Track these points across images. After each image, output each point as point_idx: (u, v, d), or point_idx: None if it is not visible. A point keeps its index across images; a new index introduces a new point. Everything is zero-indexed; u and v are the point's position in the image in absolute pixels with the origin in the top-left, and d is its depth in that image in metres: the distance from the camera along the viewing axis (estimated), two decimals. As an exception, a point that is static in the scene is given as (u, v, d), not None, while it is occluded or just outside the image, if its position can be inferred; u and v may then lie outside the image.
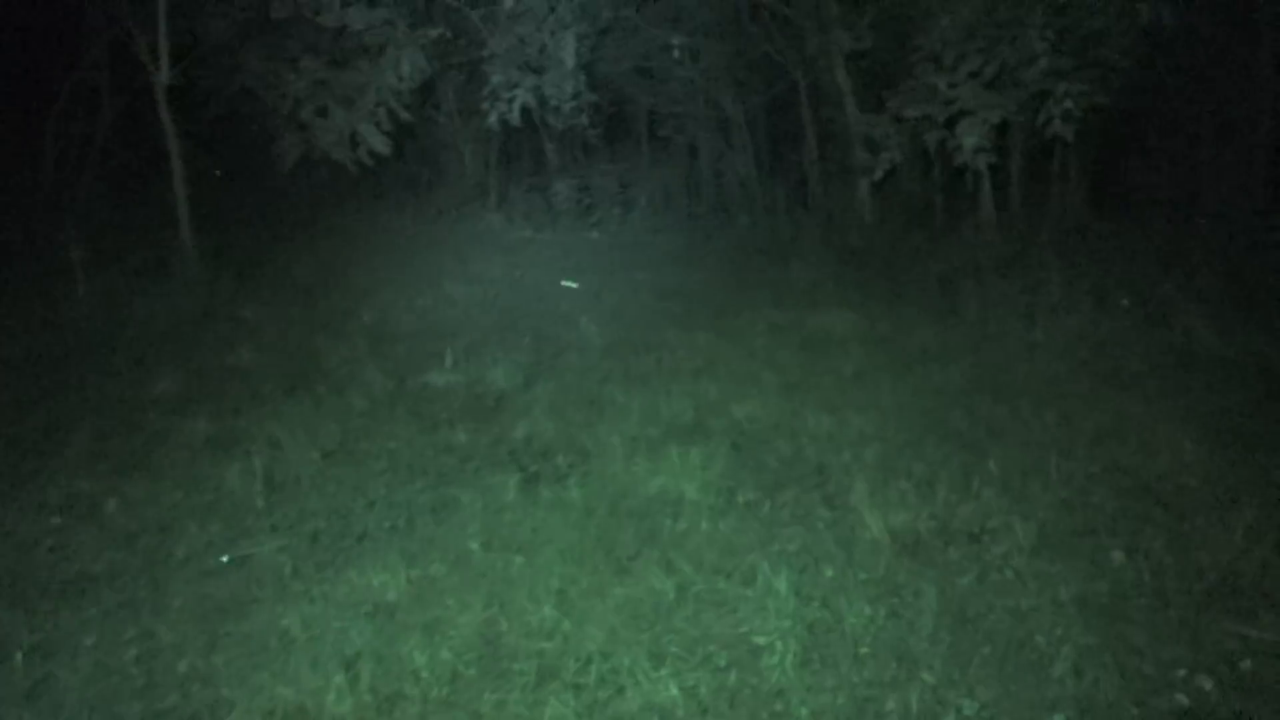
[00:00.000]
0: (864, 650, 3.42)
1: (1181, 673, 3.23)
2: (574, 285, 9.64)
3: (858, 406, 6.03)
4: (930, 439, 5.43)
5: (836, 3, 11.00)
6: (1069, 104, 7.40)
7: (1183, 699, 3.12)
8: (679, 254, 12.19)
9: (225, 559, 4.33)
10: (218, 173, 14.23)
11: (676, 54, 12.20)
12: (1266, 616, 3.51)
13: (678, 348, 7.58)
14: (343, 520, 4.72)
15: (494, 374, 6.93)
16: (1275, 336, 6.74)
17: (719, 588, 3.89)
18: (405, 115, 11.56)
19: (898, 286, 9.33)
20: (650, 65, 13.96)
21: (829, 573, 3.96)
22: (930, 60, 7.70)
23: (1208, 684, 3.17)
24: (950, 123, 7.76)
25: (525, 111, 12.00)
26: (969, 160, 7.87)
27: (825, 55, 11.46)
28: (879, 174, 8.47)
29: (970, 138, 7.54)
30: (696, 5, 12.46)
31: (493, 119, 12.09)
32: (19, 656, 3.52)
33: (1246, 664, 3.26)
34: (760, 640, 3.49)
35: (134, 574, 4.23)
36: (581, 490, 4.93)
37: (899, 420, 5.78)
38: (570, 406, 6.26)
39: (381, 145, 11.23)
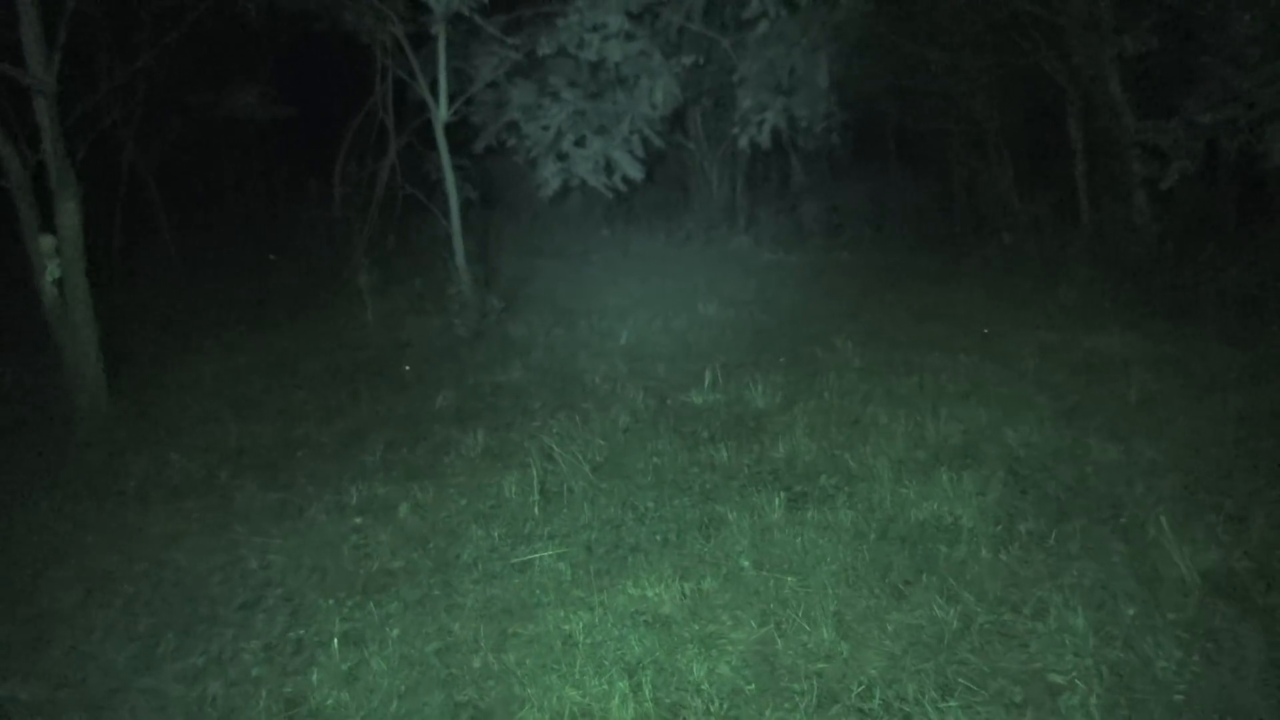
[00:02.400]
0: (1179, 698, 3.14)
1: None
2: None
3: (1147, 434, 5.60)
4: (1238, 471, 4.96)
5: (1111, 5, 10.30)
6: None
7: None
8: (934, 273, 11.81)
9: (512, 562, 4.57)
10: (470, 196, 15.15)
11: (933, 68, 11.83)
12: None
13: (940, 369, 7.32)
14: (614, 531, 4.86)
15: (752, 393, 6.95)
16: None
17: (1006, 620, 3.69)
18: (657, 141, 11.90)
19: (1186, 305, 8.60)
20: (903, 81, 13.63)
21: (1130, 611, 3.66)
22: (1230, 60, 7.04)
23: None
24: (1254, 126, 7.06)
25: (775, 133, 12.05)
26: (1278, 164, 7.12)
27: (1097, 62, 10.76)
28: (1168, 184, 7.82)
29: (1279, 142, 6.82)
30: (954, 19, 12.03)
31: (743, 142, 12.22)
32: (335, 643, 3.84)
33: None
34: (1058, 679, 3.28)
35: (428, 573, 4.52)
36: (850, 512, 4.83)
37: (1198, 450, 5.31)
38: (832, 427, 6.17)
39: (635, 171, 11.60)
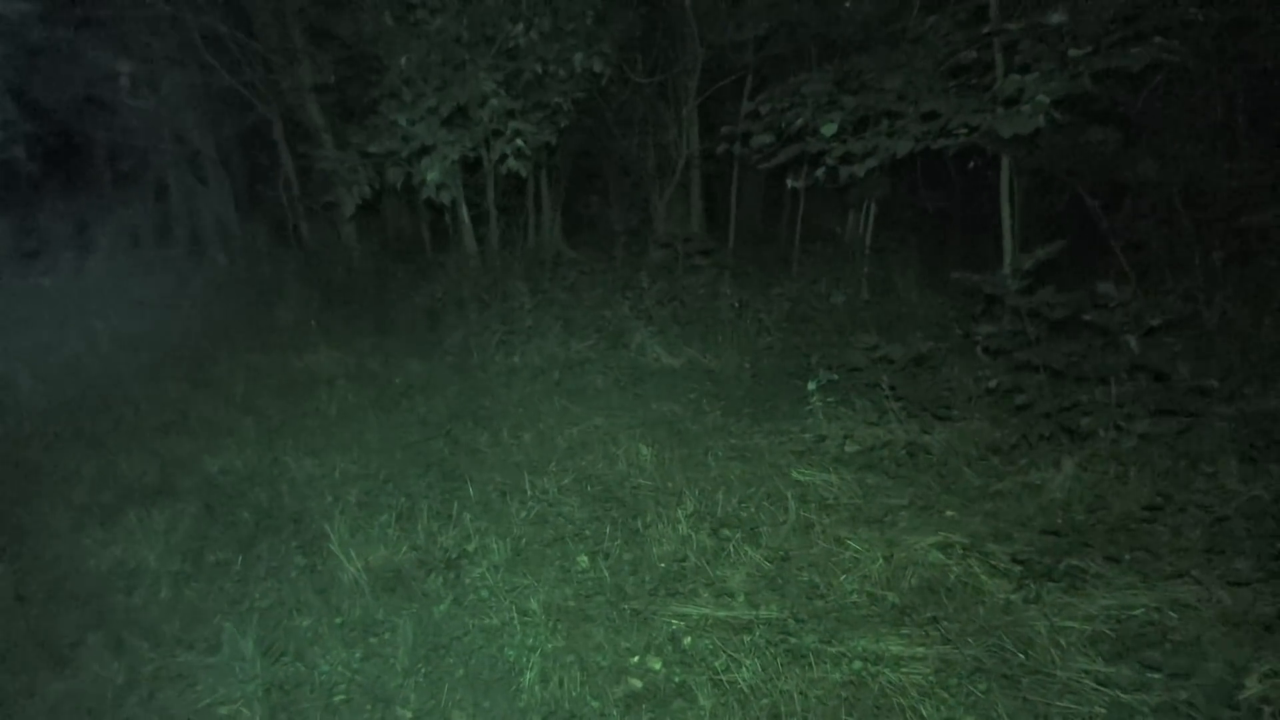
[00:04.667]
0: (339, 698, 3.31)
1: (635, 659, 3.53)
2: None
3: (341, 446, 5.91)
4: (413, 471, 5.46)
5: (302, 36, 10.75)
6: (520, 142, 7.94)
7: (636, 682, 3.40)
8: (148, 299, 11.10)
9: None
10: None
11: (125, 83, 11.10)
12: (704, 594, 3.96)
13: (143, 401, 6.89)
14: None
15: (-103, 453, 5.77)
16: (707, 347, 7.77)
17: (179, 661, 3.54)
18: None
19: (386, 322, 9.33)
20: (100, 94, 12.56)
21: (305, 623, 3.78)
22: (392, 96, 7.80)
23: (656, 664, 3.50)
24: (414, 158, 7.93)
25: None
26: (432, 195, 8.11)
27: (296, 89, 11.16)
28: (351, 209, 8.41)
29: (432, 173, 7.75)
30: (147, 32, 11.44)
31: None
32: None
33: (688, 640, 3.65)
34: (224, 710, 3.23)
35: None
36: (11, 579, 4.23)
37: (383, 456, 5.75)
38: (3, 482, 5.39)
39: None
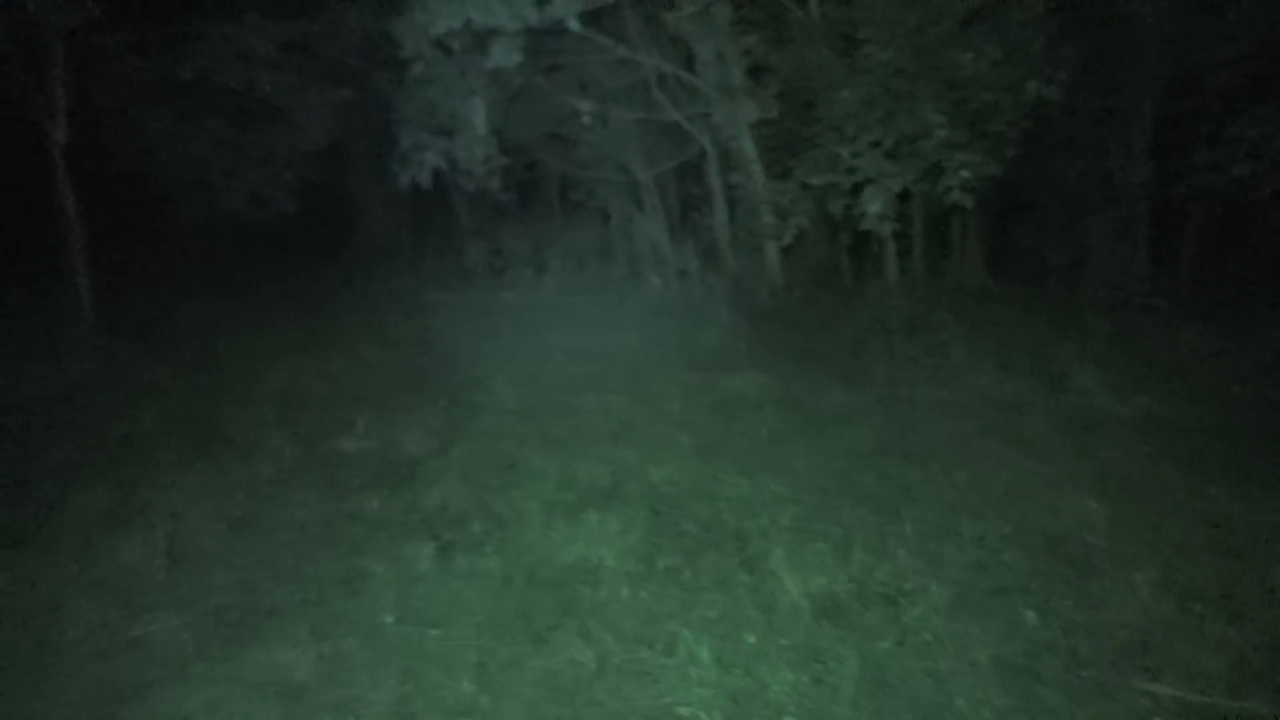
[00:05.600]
0: (789, 719, 3.41)
1: (1095, 731, 3.29)
2: None
3: (773, 469, 6.09)
4: (843, 501, 5.50)
5: (743, 74, 11.31)
6: (965, 174, 7.73)
7: (1098, 758, 3.17)
8: (593, 316, 12.23)
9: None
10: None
11: (585, 120, 12.36)
12: (1172, 673, 3.61)
13: (594, 410, 7.56)
14: (249, 593, 4.55)
15: (407, 439, 6.81)
16: (1165, 396, 7.06)
17: (640, 657, 3.85)
18: (313, 176, 11.47)
19: (809, 349, 9.50)
20: (562, 130, 14.11)
21: (751, 639, 3.95)
22: (833, 130, 7.95)
23: (1120, 742, 3.24)
24: (855, 190, 8.01)
25: (437, 174, 12.02)
26: (873, 226, 8.11)
27: (732, 124, 11.75)
28: (787, 239, 8.66)
29: (873, 205, 7.78)
30: (604, 73, 12.67)
31: (404, 181, 12.08)
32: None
33: (1157, 721, 3.35)
34: (684, 711, 3.45)
35: (24, 657, 3.99)
36: (498, 559, 4.84)
37: (812, 482, 5.84)
38: (486, 471, 6.17)
39: (288, 205, 11.10)
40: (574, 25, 9.19)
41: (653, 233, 14.70)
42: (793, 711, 3.45)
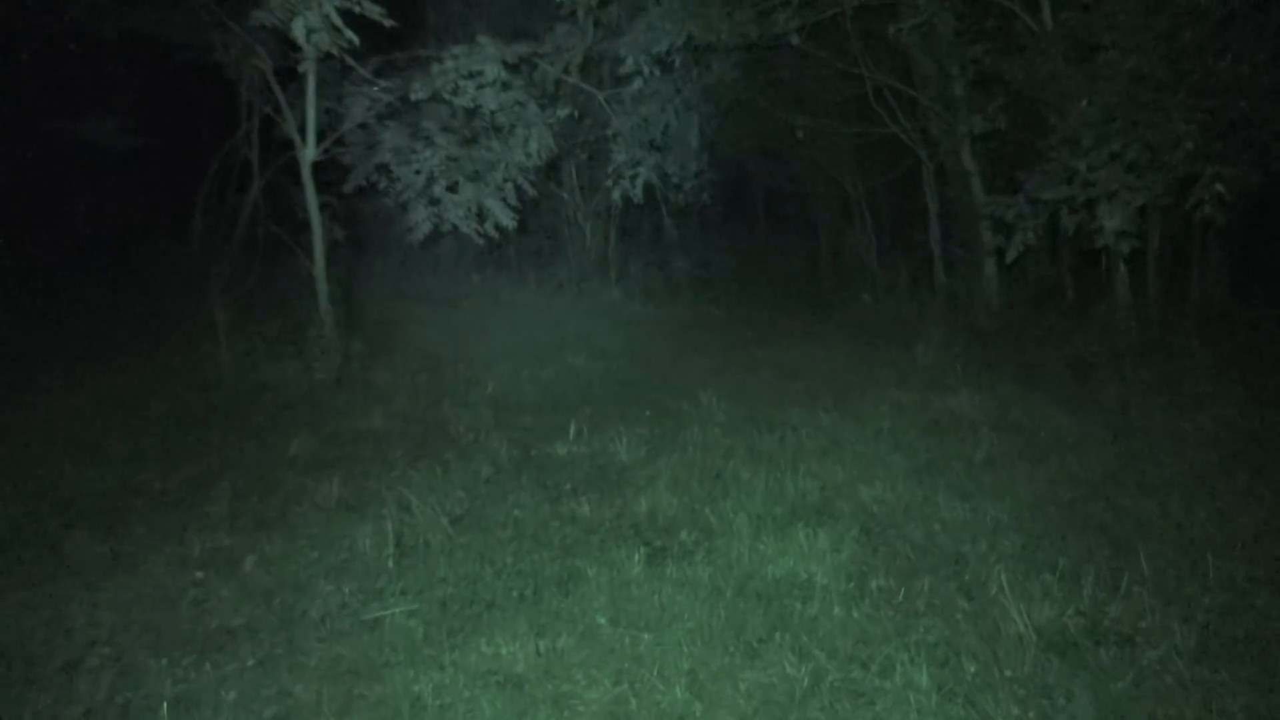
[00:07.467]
0: (1014, 754, 3.25)
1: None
2: None
3: (991, 494, 5.84)
4: (1072, 532, 5.20)
5: (966, 85, 10.94)
6: (1220, 187, 7.12)
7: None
8: (798, 332, 12.12)
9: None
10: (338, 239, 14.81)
11: (799, 134, 12.29)
12: None
13: (801, 426, 7.48)
14: (471, 586, 4.75)
15: (617, 446, 6.96)
16: None
17: (855, 677, 3.76)
18: (531, 190, 11.92)
19: (1028, 370, 9.05)
20: (773, 144, 14.11)
21: (972, 668, 3.78)
22: (1069, 142, 7.53)
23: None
24: (1089, 205, 7.56)
25: (647, 188, 12.26)
26: (1110, 243, 7.61)
27: (951, 136, 11.39)
28: (1012, 255, 8.25)
29: (1112, 221, 7.30)
30: (819, 88, 12.58)
31: (616, 195, 12.38)
32: (164, 708, 3.61)
33: None
34: (902, 736, 3.35)
35: (271, 631, 4.32)
36: (708, 568, 4.86)
37: (1036, 509, 5.56)
38: (694, 482, 6.21)
39: (507, 219, 11.56)
40: (794, 40, 9.15)
41: (862, 247, 14.44)
42: (1019, 747, 3.28)
